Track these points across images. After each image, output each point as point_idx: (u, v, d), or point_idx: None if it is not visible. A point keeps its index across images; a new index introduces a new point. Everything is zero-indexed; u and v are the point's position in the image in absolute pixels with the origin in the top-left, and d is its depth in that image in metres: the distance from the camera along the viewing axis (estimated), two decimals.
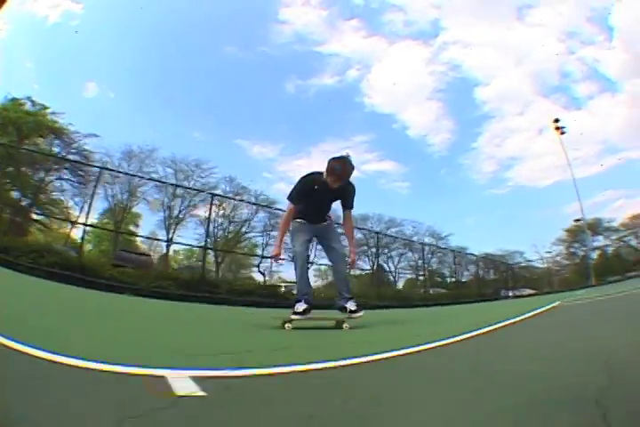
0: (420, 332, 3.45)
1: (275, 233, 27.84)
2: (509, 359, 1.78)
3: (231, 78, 48.58)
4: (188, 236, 28.43)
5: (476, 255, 28.60)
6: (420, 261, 28.96)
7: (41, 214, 22.23)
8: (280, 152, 54.63)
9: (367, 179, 45.30)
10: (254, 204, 26.92)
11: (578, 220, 27.07)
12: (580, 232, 28.47)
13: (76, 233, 26.30)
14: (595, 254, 32.88)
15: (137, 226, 31.97)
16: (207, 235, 27.07)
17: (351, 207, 3.98)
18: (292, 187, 3.85)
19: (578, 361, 1.57)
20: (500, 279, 27.87)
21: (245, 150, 47.69)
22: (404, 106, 60.25)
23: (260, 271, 29.46)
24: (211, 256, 28.43)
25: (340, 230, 4.54)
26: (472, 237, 59.03)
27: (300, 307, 3.53)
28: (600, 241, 32.63)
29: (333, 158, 3.57)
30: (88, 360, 1.42)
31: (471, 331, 2.72)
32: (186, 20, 46.24)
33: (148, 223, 30.29)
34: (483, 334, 2.76)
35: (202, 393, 1.11)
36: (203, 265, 13.60)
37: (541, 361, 1.61)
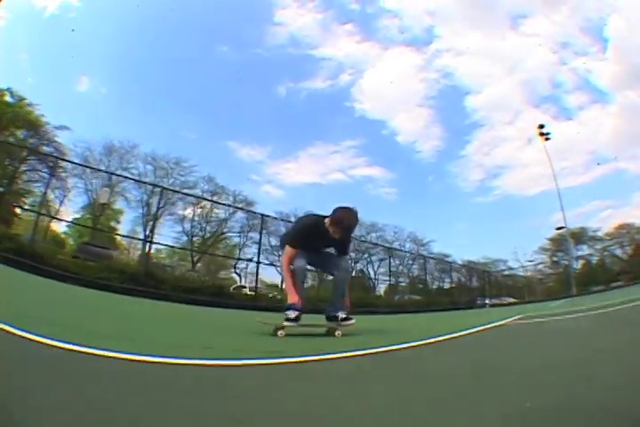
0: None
1: (253, 234, 27.57)
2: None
3: (223, 79, 48.56)
4: (166, 234, 27.93)
5: (450, 262, 28.27)
6: (401, 268, 28.76)
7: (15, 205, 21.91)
8: (268, 155, 54.54)
9: (354, 184, 45.39)
10: (238, 207, 26.46)
11: (560, 228, 26.74)
12: (563, 241, 28.03)
13: (56, 225, 26.41)
14: (579, 264, 32.73)
15: (118, 222, 31.69)
16: (188, 234, 27.11)
17: (346, 254, 3.88)
18: (292, 229, 3.78)
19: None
20: (477, 287, 27.42)
21: (234, 152, 47.53)
22: (394, 112, 60.30)
23: (236, 272, 29.08)
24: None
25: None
26: (457, 245, 59.20)
27: (292, 314, 3.36)
28: (584, 250, 32.43)
29: (341, 208, 3.46)
30: None
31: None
32: (181, 19, 46.00)
33: (128, 220, 29.96)
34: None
35: None
36: (147, 260, 13.06)
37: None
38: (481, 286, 27.07)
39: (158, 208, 27.70)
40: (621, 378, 1.39)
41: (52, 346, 1.55)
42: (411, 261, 28.75)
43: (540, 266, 32.27)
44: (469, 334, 3.49)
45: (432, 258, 28.35)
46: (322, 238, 3.54)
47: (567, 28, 43.72)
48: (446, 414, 1.02)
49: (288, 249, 3.54)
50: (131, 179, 24.84)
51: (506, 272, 32.44)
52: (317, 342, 3.03)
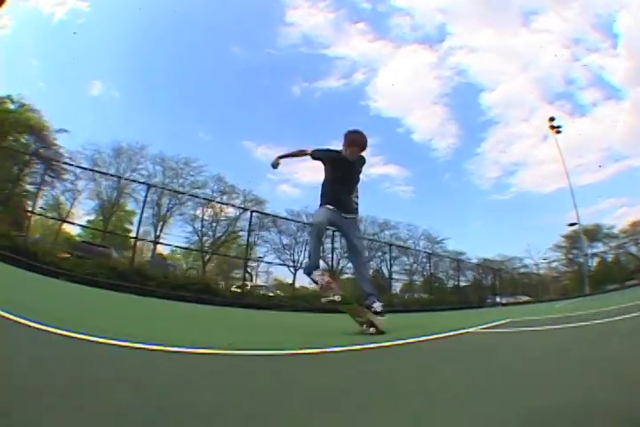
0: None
1: (263, 233, 27.65)
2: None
3: (237, 79, 48.88)
4: (176, 234, 28.17)
5: (458, 260, 27.90)
6: (415, 266, 28.52)
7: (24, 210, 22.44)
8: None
9: (371, 182, 44.98)
10: (255, 211, 26.53)
11: (572, 224, 26.18)
12: (578, 238, 27.48)
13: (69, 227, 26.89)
14: (594, 262, 32.08)
15: (131, 223, 31.99)
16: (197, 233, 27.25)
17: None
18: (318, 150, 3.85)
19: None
20: (490, 286, 27.01)
21: (250, 151, 47.79)
22: (409, 110, 60.31)
23: (247, 271, 29.16)
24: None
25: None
26: (473, 243, 58.99)
27: (317, 275, 3.37)
28: (599, 248, 31.76)
29: (351, 131, 3.61)
30: None
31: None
32: (194, 20, 46.40)
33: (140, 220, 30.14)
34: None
35: None
36: (132, 256, 13.19)
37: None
38: (492, 285, 26.65)
39: (168, 209, 28.11)
40: None
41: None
42: (425, 260, 28.59)
43: (554, 264, 31.76)
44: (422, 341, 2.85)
45: (442, 256, 28.09)
46: (345, 165, 3.66)
47: (578, 24, 43.48)
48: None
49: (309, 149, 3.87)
50: (134, 181, 24.94)
51: (521, 270, 31.92)
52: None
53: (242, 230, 27.83)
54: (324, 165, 3.86)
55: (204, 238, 26.70)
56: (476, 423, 0.90)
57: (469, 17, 52.99)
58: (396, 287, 26.88)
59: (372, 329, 3.20)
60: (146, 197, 18.05)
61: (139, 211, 29.39)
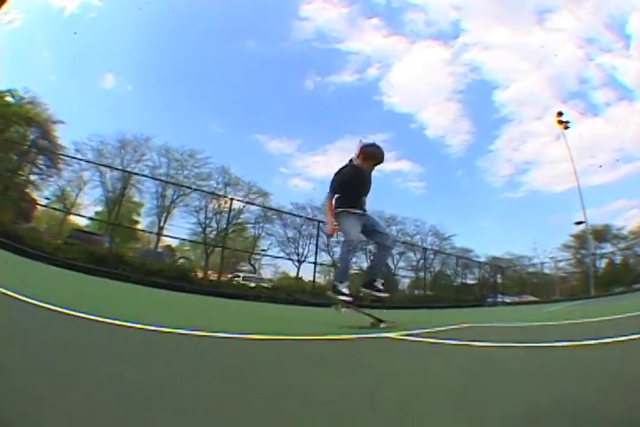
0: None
1: (264, 224, 27.61)
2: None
3: (250, 73, 48.75)
4: (179, 225, 28.25)
5: (459, 257, 27.56)
6: (422, 262, 28.24)
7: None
8: (297, 148, 54.61)
9: (383, 178, 44.76)
10: (264, 206, 26.45)
11: (579, 222, 25.49)
12: (585, 238, 26.90)
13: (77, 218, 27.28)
14: (602, 263, 31.50)
15: (138, 214, 32.15)
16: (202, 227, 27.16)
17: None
18: (335, 179, 3.84)
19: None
20: (491, 284, 26.59)
21: (262, 145, 47.99)
22: (422, 106, 59.62)
23: (250, 264, 29.25)
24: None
25: None
26: (484, 240, 59.11)
27: (345, 287, 3.52)
28: (608, 249, 31.15)
29: (367, 145, 3.77)
30: None
31: None
32: (208, 14, 46.29)
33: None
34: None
35: None
36: (110, 241, 13.27)
37: None
38: (494, 283, 26.25)
39: (172, 200, 28.19)
40: None
41: None
42: (432, 256, 28.35)
43: (562, 264, 31.16)
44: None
45: (442, 252, 27.80)
46: (360, 181, 3.82)
47: (591, 24, 42.60)
48: None
49: (330, 197, 3.81)
50: (135, 174, 25.06)
51: (530, 269, 31.43)
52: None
53: (248, 223, 28.06)
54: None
55: (208, 230, 26.82)
56: None
57: (483, 14, 52.42)
58: (403, 284, 26.81)
59: (382, 324, 3.47)
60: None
61: (146, 202, 30.17)
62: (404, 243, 26.25)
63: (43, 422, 0.73)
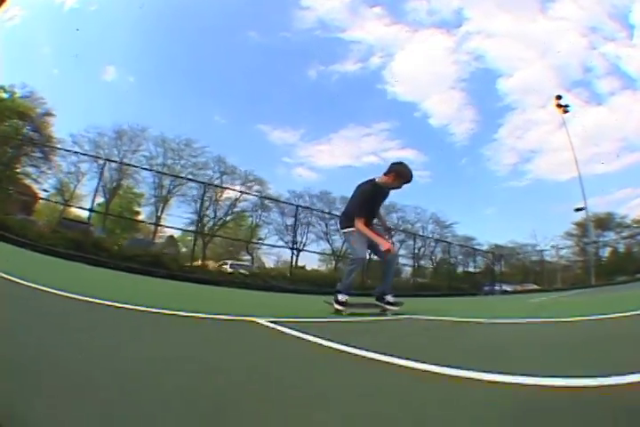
0: None
1: (262, 212, 27.37)
2: None
3: (252, 63, 48.48)
4: (177, 215, 28.24)
5: (452, 244, 27.21)
6: (423, 250, 28.02)
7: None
8: (300, 137, 54.49)
9: (387, 166, 44.25)
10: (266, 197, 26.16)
11: (579, 209, 24.87)
12: (587, 225, 26.33)
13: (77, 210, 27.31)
14: (606, 251, 30.99)
15: (140, 205, 32.16)
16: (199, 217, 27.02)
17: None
18: (360, 200, 4.01)
19: None
20: (491, 272, 26.24)
21: (266, 135, 47.72)
22: (426, 94, 58.63)
23: (248, 253, 29.16)
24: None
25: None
26: (488, 228, 58.76)
27: (343, 298, 3.89)
28: (610, 237, 30.55)
29: (397, 164, 4.00)
30: None
31: None
32: (210, 6, 45.87)
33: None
34: None
35: None
36: (101, 230, 13.84)
37: None
38: (492, 272, 25.91)
39: (169, 190, 28.13)
40: None
41: None
42: (433, 244, 28.14)
43: (566, 252, 30.67)
44: None
45: (444, 241, 27.52)
46: (381, 196, 4.12)
47: (595, 13, 41.93)
48: None
49: (362, 220, 3.87)
50: (128, 165, 25.02)
51: (533, 258, 31.04)
52: None
53: (244, 211, 27.96)
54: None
55: (206, 219, 26.74)
56: None
57: (487, 1, 51.09)
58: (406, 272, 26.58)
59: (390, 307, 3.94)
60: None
61: (146, 193, 30.13)
62: (403, 231, 25.91)
63: None
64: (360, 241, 3.90)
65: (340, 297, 3.86)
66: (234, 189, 24.78)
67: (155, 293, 5.08)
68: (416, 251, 26.25)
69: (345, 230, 4.07)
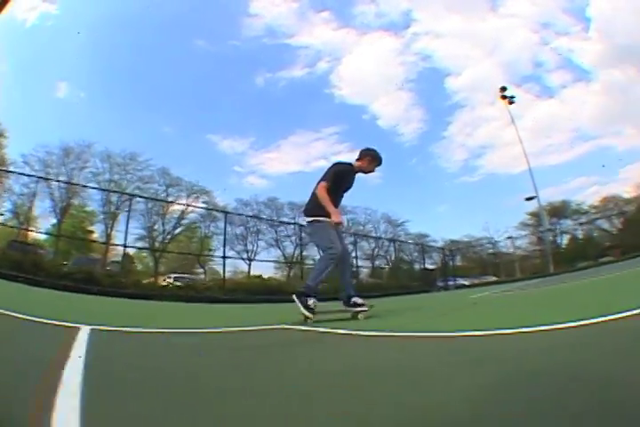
0: None
1: (210, 223, 26.72)
2: None
3: (201, 72, 48.10)
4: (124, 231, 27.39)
5: (394, 240, 26.93)
6: (377, 250, 27.66)
7: None
8: (250, 146, 53.99)
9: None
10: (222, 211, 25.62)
11: (530, 198, 24.77)
12: (540, 214, 26.24)
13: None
14: (564, 239, 31.08)
15: (92, 223, 31.38)
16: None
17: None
18: (332, 169, 3.97)
19: None
20: (443, 268, 25.93)
21: (216, 145, 47.31)
22: (374, 97, 59.80)
23: (200, 265, 28.49)
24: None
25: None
26: (442, 225, 59.19)
27: (313, 303, 3.50)
28: (568, 225, 30.62)
29: (370, 149, 4.11)
30: None
31: None
32: (157, 14, 45.52)
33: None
34: None
35: None
36: (34, 249, 13.26)
37: None
38: (443, 267, 25.59)
39: (117, 206, 27.40)
40: None
41: None
42: (387, 243, 27.80)
43: (521, 242, 30.59)
44: None
45: (397, 240, 27.21)
46: (350, 182, 4.11)
47: (548, 8, 43.16)
48: None
49: (327, 185, 3.78)
50: (73, 184, 24.35)
51: (491, 250, 30.91)
52: None
53: (194, 222, 27.33)
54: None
55: (155, 234, 26.07)
56: None
57: (435, 3, 52.34)
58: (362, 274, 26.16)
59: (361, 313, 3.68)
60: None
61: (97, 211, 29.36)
62: (355, 235, 25.50)
63: None
64: (332, 232, 3.72)
65: (311, 302, 3.47)
66: (178, 203, 24.13)
67: (75, 308, 5.12)
68: (370, 252, 25.95)
69: (310, 219, 3.84)
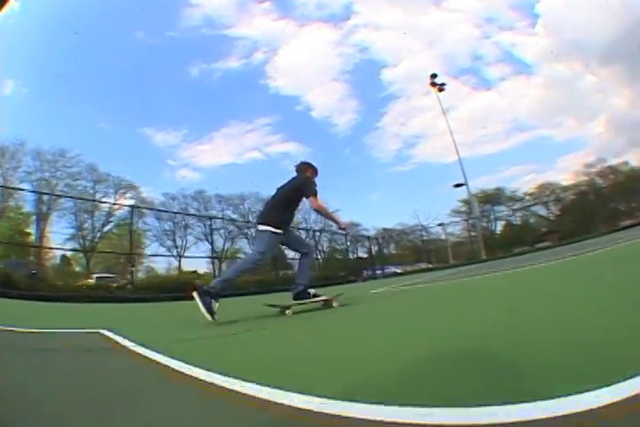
0: None
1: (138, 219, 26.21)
2: None
3: (136, 64, 46.46)
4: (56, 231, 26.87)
5: (318, 231, 26.95)
6: (308, 240, 27.52)
7: None
8: (183, 138, 53.27)
9: (270, 161, 45.81)
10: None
11: (458, 185, 25.11)
12: (471, 201, 26.66)
13: None
14: (498, 225, 31.78)
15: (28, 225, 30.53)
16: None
17: None
18: (311, 183, 4.11)
19: None
20: (369, 257, 26.11)
21: (149, 138, 45.84)
22: (308, 87, 59.39)
23: (130, 263, 27.96)
24: None
25: None
26: (375, 214, 61.24)
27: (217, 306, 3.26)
28: (502, 211, 31.29)
29: (308, 162, 4.42)
30: None
31: None
32: (95, 5, 44.03)
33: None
34: None
35: None
36: None
37: None
38: (369, 255, 25.80)
39: (49, 206, 26.75)
40: None
41: None
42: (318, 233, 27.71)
43: (453, 228, 31.10)
44: None
45: (323, 231, 27.22)
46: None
47: (494, 4, 43.57)
48: None
49: (318, 199, 3.90)
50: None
51: (424, 238, 31.32)
52: None
53: (123, 219, 26.79)
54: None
55: (85, 233, 25.55)
56: None
57: None
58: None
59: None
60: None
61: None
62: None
63: None
64: (274, 245, 3.83)
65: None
66: (103, 202, 23.63)
67: None
68: None
69: (264, 228, 3.75)
